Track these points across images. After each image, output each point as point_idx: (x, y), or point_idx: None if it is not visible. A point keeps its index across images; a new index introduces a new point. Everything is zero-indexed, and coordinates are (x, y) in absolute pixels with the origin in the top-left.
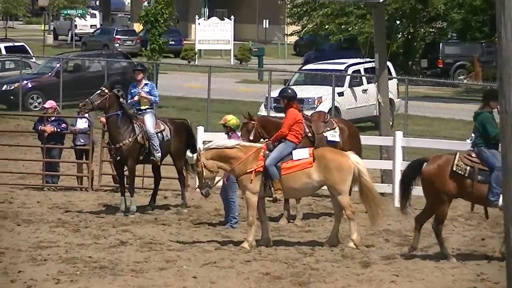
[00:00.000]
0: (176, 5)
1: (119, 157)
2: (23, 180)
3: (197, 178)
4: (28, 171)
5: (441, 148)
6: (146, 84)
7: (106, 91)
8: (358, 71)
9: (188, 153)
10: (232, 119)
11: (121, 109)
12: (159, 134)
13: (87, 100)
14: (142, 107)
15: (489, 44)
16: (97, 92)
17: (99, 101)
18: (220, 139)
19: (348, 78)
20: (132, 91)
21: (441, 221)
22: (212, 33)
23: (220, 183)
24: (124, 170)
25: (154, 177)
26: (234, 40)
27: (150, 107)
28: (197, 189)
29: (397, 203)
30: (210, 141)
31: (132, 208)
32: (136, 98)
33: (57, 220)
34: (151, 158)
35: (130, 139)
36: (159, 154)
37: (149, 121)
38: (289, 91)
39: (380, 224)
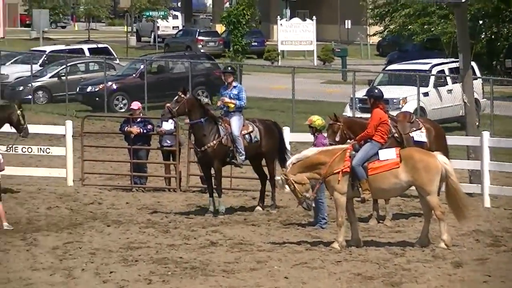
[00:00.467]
0: (258, 6)
1: (204, 160)
2: (112, 181)
3: (295, 195)
4: (116, 172)
5: None
6: (235, 87)
7: (182, 95)
8: (443, 71)
9: (277, 178)
10: (317, 120)
11: (204, 112)
12: (246, 135)
13: (165, 108)
14: (230, 110)
15: None
16: (174, 99)
17: (177, 107)
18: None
19: (432, 78)
20: (222, 93)
21: None
22: (294, 33)
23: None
24: (211, 171)
25: (259, 177)
26: (316, 41)
27: (238, 109)
28: (299, 206)
29: (486, 204)
30: (296, 142)
31: (220, 209)
32: (219, 103)
33: (146, 221)
34: (233, 160)
35: (214, 142)
36: (243, 157)
37: (235, 123)
38: (376, 90)
39: (468, 224)
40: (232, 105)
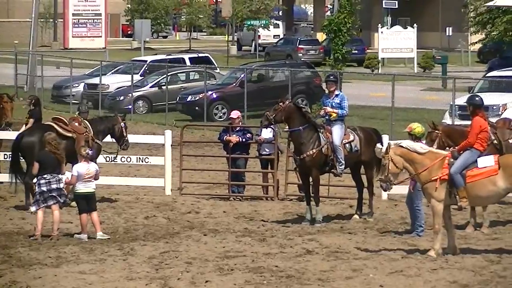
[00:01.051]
0: (359, 14)
1: (303, 168)
2: (209, 190)
3: (381, 170)
4: (214, 181)
5: None
6: (337, 95)
7: (281, 103)
8: None
9: (378, 145)
10: (417, 128)
11: (303, 121)
12: (347, 145)
13: (264, 115)
14: (332, 118)
15: None
16: (273, 107)
17: (274, 115)
18: (410, 142)
19: None
20: (324, 102)
21: None
22: (395, 41)
23: (406, 191)
24: (310, 179)
25: (356, 185)
26: (417, 48)
27: (340, 117)
28: (378, 181)
29: None
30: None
31: (317, 218)
32: (321, 112)
33: (243, 229)
34: (332, 170)
35: (314, 150)
36: (342, 167)
37: (336, 132)
38: (477, 98)
39: None
40: (334, 114)
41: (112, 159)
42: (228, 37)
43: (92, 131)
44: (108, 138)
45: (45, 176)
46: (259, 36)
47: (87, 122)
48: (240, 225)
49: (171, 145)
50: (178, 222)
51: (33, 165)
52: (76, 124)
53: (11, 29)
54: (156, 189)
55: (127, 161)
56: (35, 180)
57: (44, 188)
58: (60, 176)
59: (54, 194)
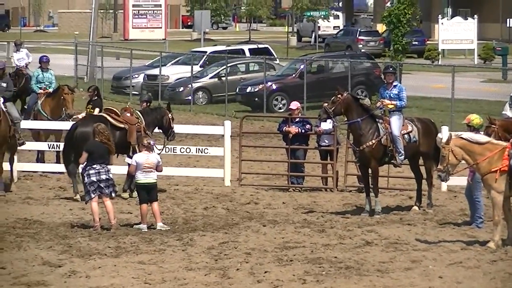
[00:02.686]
0: (419, 5)
1: (362, 159)
2: (269, 181)
3: (440, 160)
4: (273, 172)
5: None
6: (395, 86)
7: (339, 95)
8: None
9: (439, 135)
10: (475, 119)
11: (362, 112)
12: (405, 135)
13: (322, 108)
14: (390, 109)
15: None
16: (331, 99)
17: (333, 108)
18: (471, 133)
19: None
20: (382, 93)
21: None
22: (455, 32)
23: (465, 182)
24: (369, 171)
25: (415, 176)
26: (477, 40)
27: (398, 108)
28: (436, 171)
29: None
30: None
31: (377, 209)
32: (378, 104)
33: (302, 220)
34: (392, 161)
35: (373, 141)
36: (402, 157)
37: (395, 123)
38: None
39: None
40: (391, 106)
41: (168, 151)
42: (288, 28)
43: (144, 121)
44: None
45: (94, 166)
46: (319, 27)
47: (139, 113)
48: (299, 216)
49: (231, 136)
50: (237, 213)
51: (82, 155)
52: (128, 114)
53: (72, 20)
54: (216, 179)
55: (186, 152)
56: (80, 170)
57: (94, 178)
58: (109, 167)
59: (103, 185)
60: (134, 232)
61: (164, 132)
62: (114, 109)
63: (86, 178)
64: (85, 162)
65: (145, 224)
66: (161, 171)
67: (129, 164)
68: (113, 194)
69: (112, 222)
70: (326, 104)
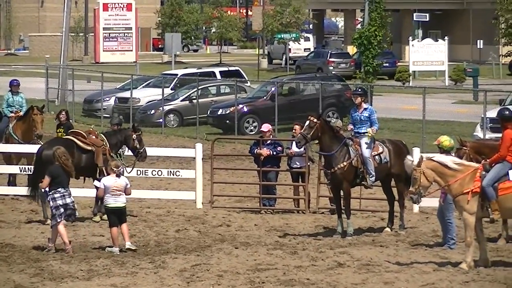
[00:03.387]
0: (390, 27)
1: (334, 181)
2: (241, 203)
3: (412, 182)
4: (245, 194)
5: None
6: (365, 109)
7: (315, 120)
8: None
9: (409, 157)
10: (445, 141)
11: (334, 136)
12: (376, 157)
13: (299, 135)
14: (361, 131)
15: None
16: (306, 124)
17: (311, 133)
18: (442, 156)
19: None
20: (352, 115)
21: None
22: (426, 54)
23: (437, 204)
24: (341, 192)
25: (387, 198)
26: (448, 61)
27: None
28: (408, 194)
29: None
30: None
31: (349, 231)
32: (349, 127)
33: (274, 242)
34: (362, 182)
35: (344, 163)
36: (373, 179)
37: (365, 145)
38: (507, 112)
39: None
40: (371, 133)
41: (139, 173)
42: (258, 51)
43: (108, 144)
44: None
45: (59, 189)
46: (289, 49)
47: (103, 136)
48: (272, 238)
49: (202, 159)
50: (209, 235)
51: (44, 179)
52: (93, 137)
53: (43, 43)
54: (187, 202)
55: (158, 174)
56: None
57: (60, 202)
58: (70, 189)
59: (66, 210)
60: (106, 255)
61: (133, 153)
62: (81, 132)
63: (51, 202)
64: (48, 187)
65: (117, 247)
66: (129, 194)
67: (97, 188)
68: (70, 220)
69: (67, 246)
70: (303, 130)
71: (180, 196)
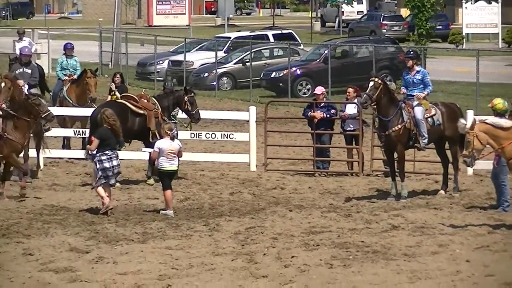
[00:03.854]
0: None
1: (388, 144)
2: (294, 166)
3: (465, 146)
4: (299, 157)
5: None
6: (418, 72)
7: (380, 81)
8: None
9: (462, 120)
10: (499, 103)
11: (391, 98)
12: (429, 119)
13: (365, 95)
14: (413, 93)
15: None
16: (371, 85)
17: (376, 94)
18: (495, 118)
19: None
20: (405, 78)
21: None
22: (479, 16)
23: (491, 167)
24: (395, 155)
25: (441, 160)
26: (501, 24)
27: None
28: (462, 157)
29: None
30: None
31: (403, 193)
32: (402, 91)
33: (328, 205)
34: (415, 144)
35: (399, 126)
36: (426, 141)
37: (418, 107)
38: None
39: None
40: (424, 102)
41: (193, 136)
42: (311, 14)
43: (160, 107)
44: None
45: (106, 152)
46: (342, 12)
47: (154, 99)
48: (326, 201)
49: (256, 121)
50: (263, 198)
51: (93, 141)
52: (145, 101)
53: (96, 6)
54: (241, 165)
55: (212, 137)
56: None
57: (107, 164)
58: (117, 152)
59: (111, 173)
60: (161, 218)
61: (187, 115)
62: (133, 95)
63: (98, 164)
64: (96, 149)
65: (171, 209)
66: (181, 156)
67: (149, 152)
68: (116, 183)
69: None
70: (368, 91)
71: (234, 159)
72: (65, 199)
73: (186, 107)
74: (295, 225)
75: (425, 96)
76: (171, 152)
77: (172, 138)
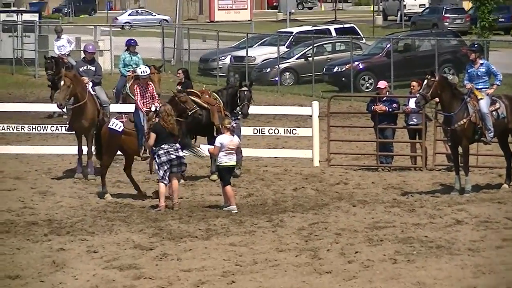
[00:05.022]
0: None
1: (453, 138)
2: (357, 161)
3: None
4: (362, 152)
5: None
6: (481, 64)
7: (432, 78)
8: None
9: None
10: None
11: (453, 93)
12: (493, 112)
13: (418, 95)
14: (478, 87)
15: None
16: (424, 83)
17: (430, 92)
18: None
19: None
20: (468, 71)
21: None
22: None
23: None
24: (459, 149)
25: (505, 154)
26: None
27: (485, 85)
28: None
29: None
30: None
31: (467, 188)
32: (468, 86)
33: (392, 200)
34: (482, 138)
35: (464, 120)
36: (492, 135)
37: (483, 100)
38: None
39: None
40: (481, 95)
41: (256, 132)
42: (373, 7)
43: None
44: None
45: (163, 146)
46: (404, 5)
47: (215, 94)
48: (389, 196)
49: (319, 116)
50: (326, 194)
51: (150, 136)
52: (207, 96)
53: (157, 2)
54: (304, 160)
55: (274, 133)
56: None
57: (164, 158)
58: (178, 145)
59: (172, 163)
60: (224, 214)
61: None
62: (195, 91)
63: (156, 159)
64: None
65: (234, 205)
66: (240, 153)
67: (210, 148)
68: (182, 171)
69: (174, 201)
70: (421, 90)
71: (297, 154)
72: (129, 196)
73: (238, 101)
74: (359, 220)
75: (495, 89)
76: (231, 148)
77: (232, 133)
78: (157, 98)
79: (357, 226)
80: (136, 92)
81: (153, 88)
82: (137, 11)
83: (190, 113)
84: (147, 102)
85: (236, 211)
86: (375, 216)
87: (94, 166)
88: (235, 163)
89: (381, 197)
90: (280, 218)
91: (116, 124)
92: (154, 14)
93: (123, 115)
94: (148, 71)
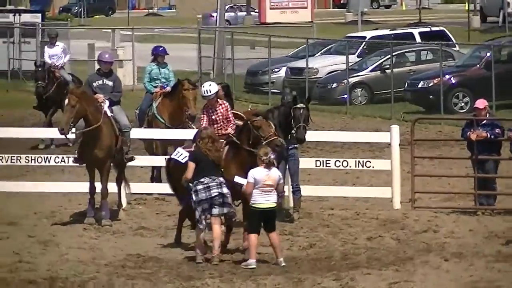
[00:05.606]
0: None
1: None
2: (450, 202)
3: None
4: (455, 190)
5: None
6: None
7: None
8: None
9: None
10: None
11: None
12: None
13: None
14: None
15: None
16: None
17: None
18: None
19: None
20: None
21: None
22: None
23: None
24: None
25: None
26: None
27: None
28: None
29: None
30: None
31: None
32: None
33: (496, 252)
34: None
35: None
36: None
37: None
38: None
39: None
40: None
41: (319, 164)
42: (468, 6)
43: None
44: None
45: (202, 180)
46: (508, 3)
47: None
48: (492, 247)
49: (400, 145)
50: (410, 244)
51: (188, 166)
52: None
53: (193, 0)
54: (382, 201)
55: (343, 165)
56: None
57: (203, 195)
58: (221, 179)
59: (212, 203)
60: (279, 271)
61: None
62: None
63: (194, 197)
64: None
65: (253, 259)
66: (282, 192)
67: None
68: (231, 217)
69: (214, 251)
70: None
71: (372, 194)
72: (155, 247)
73: (292, 122)
74: (453, 279)
75: None
76: (268, 185)
77: (269, 166)
78: (233, 121)
79: (451, 286)
80: (202, 117)
81: (226, 109)
82: (232, 6)
83: (264, 141)
84: (220, 128)
85: (255, 266)
86: (474, 274)
87: (111, 209)
88: (273, 205)
89: (482, 249)
90: (351, 276)
91: (180, 154)
92: (256, 10)
93: (192, 143)
94: (214, 90)
